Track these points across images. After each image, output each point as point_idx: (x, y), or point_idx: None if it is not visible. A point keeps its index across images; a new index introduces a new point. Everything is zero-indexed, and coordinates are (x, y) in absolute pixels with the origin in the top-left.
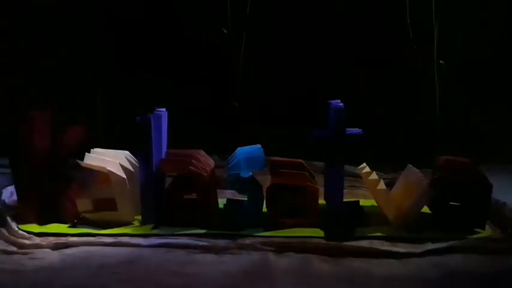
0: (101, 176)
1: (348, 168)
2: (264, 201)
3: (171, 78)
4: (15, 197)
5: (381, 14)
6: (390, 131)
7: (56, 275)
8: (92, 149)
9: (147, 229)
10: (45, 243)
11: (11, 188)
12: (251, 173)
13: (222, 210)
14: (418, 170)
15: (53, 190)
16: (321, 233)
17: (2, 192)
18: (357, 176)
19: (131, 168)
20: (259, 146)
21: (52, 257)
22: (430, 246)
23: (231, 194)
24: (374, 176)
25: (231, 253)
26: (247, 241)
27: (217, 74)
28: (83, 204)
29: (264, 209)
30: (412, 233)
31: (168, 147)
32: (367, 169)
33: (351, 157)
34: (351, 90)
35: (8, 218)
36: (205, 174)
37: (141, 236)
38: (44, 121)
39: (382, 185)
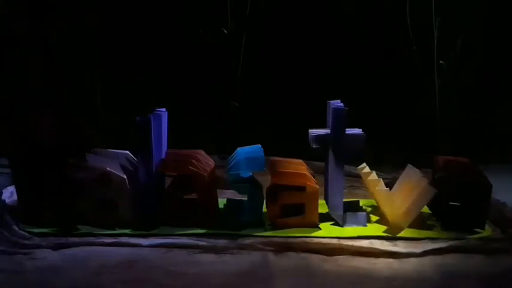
0: (101, 176)
1: (348, 168)
2: (264, 201)
3: (171, 78)
4: (15, 197)
5: (381, 14)
6: (390, 131)
7: (56, 275)
8: (92, 149)
9: (147, 229)
10: (45, 243)
11: (11, 188)
12: (251, 173)
13: (222, 210)
14: (418, 170)
15: (53, 190)
16: (321, 233)
17: (2, 192)
18: (357, 176)
19: (131, 168)
20: (259, 146)
21: (52, 257)
22: (430, 246)
23: (231, 194)
24: (374, 176)
25: (231, 253)
26: (247, 241)
27: (217, 74)
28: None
29: (264, 209)
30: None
31: (168, 147)
32: (367, 169)
33: (351, 157)
34: (351, 90)
35: (8, 218)
36: (205, 174)
37: (141, 236)
38: (44, 121)
39: (382, 185)
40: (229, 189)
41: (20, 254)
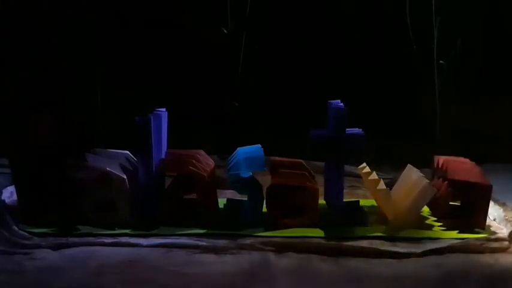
0: (101, 176)
1: (348, 168)
2: (264, 201)
3: (171, 78)
4: (15, 197)
5: (381, 14)
6: (390, 131)
7: (56, 275)
8: (92, 149)
9: (147, 229)
10: (45, 243)
11: (11, 188)
12: (251, 173)
13: (222, 210)
14: (418, 170)
15: (53, 190)
16: (321, 233)
17: (2, 192)
18: (357, 176)
19: (131, 168)
20: (259, 146)
21: (52, 257)
22: (430, 246)
23: (231, 194)
24: (374, 176)
25: (231, 253)
26: (247, 241)
27: (217, 73)
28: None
29: (264, 209)
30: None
31: (168, 147)
32: (367, 169)
33: (351, 157)
34: (351, 90)
35: (8, 218)
36: (205, 174)
37: (141, 236)
38: (44, 121)
39: (382, 185)
40: (229, 189)
41: (20, 254)
